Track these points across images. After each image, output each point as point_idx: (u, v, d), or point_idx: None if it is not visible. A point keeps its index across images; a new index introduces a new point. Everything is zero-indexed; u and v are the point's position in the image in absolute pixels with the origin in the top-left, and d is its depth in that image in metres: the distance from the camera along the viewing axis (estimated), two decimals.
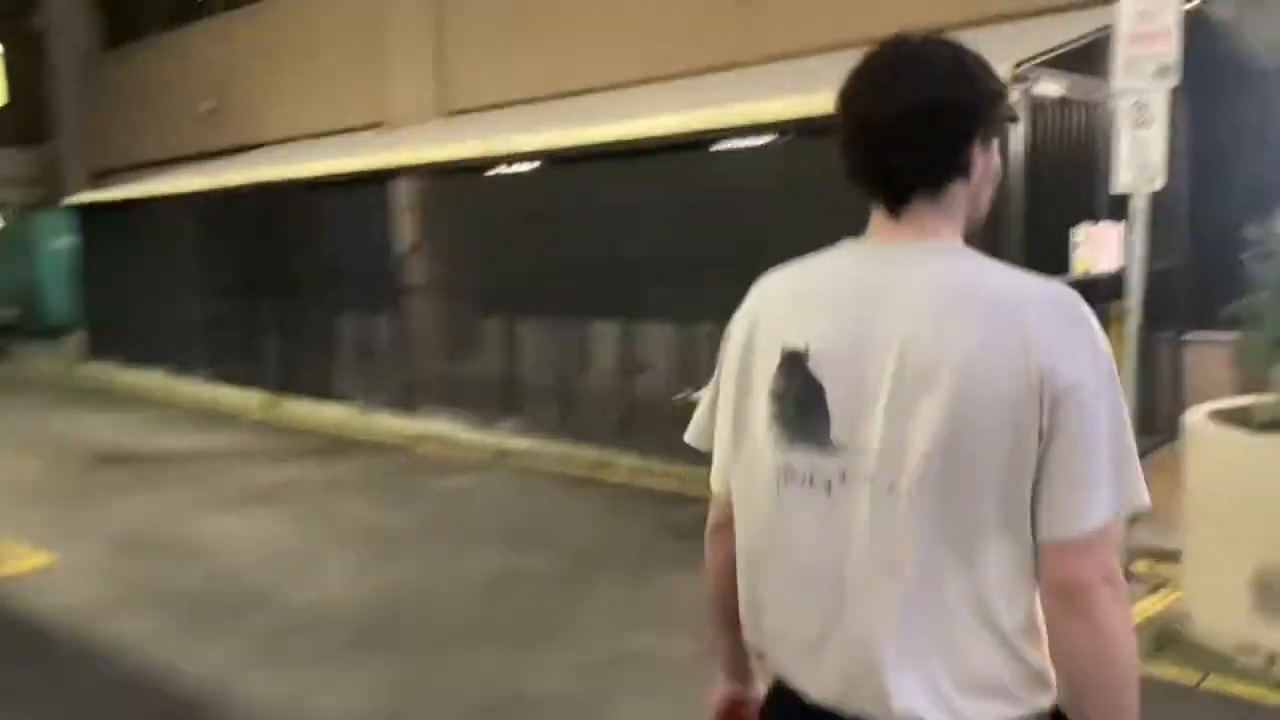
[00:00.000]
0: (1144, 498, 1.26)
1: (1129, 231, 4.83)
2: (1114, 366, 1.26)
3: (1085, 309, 1.27)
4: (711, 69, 9.05)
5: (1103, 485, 1.23)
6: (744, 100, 7.16)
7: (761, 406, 1.38)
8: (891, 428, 1.26)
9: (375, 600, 5.09)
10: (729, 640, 1.55)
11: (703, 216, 7.31)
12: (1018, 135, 5.65)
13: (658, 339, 7.87)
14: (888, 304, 1.29)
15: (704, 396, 1.53)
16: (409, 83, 11.86)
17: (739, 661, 1.59)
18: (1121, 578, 1.25)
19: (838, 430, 1.31)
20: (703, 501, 1.59)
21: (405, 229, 9.81)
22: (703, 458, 1.55)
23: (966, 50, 1.34)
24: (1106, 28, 4.95)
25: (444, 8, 11.44)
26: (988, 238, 5.81)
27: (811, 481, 1.33)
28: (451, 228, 9.51)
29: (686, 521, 4.29)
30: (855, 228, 1.41)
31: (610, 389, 8.20)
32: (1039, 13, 7.17)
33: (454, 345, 9.77)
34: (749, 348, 1.41)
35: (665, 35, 9.41)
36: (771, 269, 1.46)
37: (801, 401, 1.33)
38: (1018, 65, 5.61)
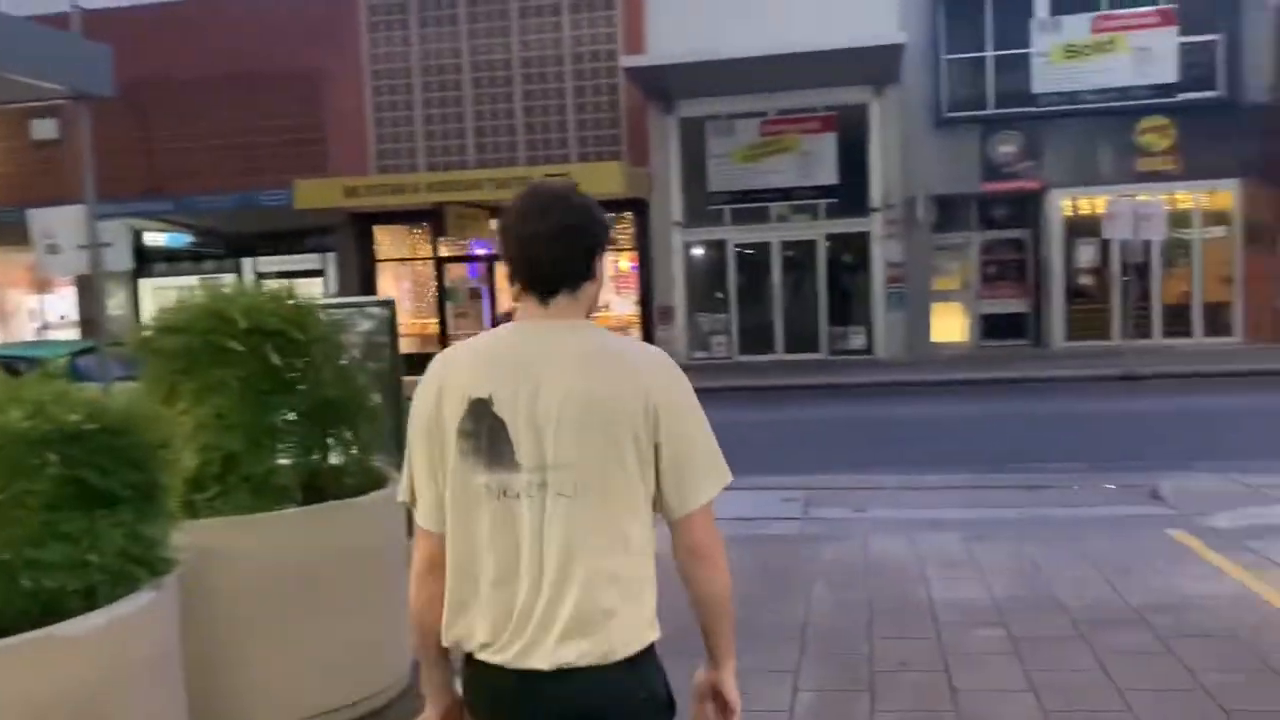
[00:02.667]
0: (729, 476, 1.91)
1: None
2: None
3: (672, 360, 1.91)
4: None
5: (705, 473, 1.87)
6: None
7: (452, 445, 1.83)
8: (560, 449, 1.79)
9: None
10: (441, 664, 1.96)
11: None
12: None
13: None
14: (547, 364, 1.82)
15: (414, 470, 1.92)
16: None
17: (446, 677, 1.98)
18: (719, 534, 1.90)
19: (520, 455, 1.81)
20: None
21: None
22: None
23: (585, 194, 1.94)
24: None
25: None
26: None
27: (504, 494, 1.82)
28: None
29: None
30: None
31: None
32: None
33: None
34: (439, 404, 1.86)
35: None
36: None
37: (491, 435, 1.82)
38: None
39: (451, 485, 1.84)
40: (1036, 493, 8.16)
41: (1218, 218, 18.25)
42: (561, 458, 1.79)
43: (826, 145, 18.79)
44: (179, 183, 19.87)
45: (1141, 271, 17.33)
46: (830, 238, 19.04)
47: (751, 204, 19.15)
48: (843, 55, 16.59)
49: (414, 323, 20.39)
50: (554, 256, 1.85)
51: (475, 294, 21.43)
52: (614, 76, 19.31)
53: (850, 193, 18.70)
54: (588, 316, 1.93)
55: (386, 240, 21.16)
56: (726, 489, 1.90)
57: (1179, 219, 17.47)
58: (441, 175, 18.87)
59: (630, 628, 1.82)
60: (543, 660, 1.78)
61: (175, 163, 20.10)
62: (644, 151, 19.27)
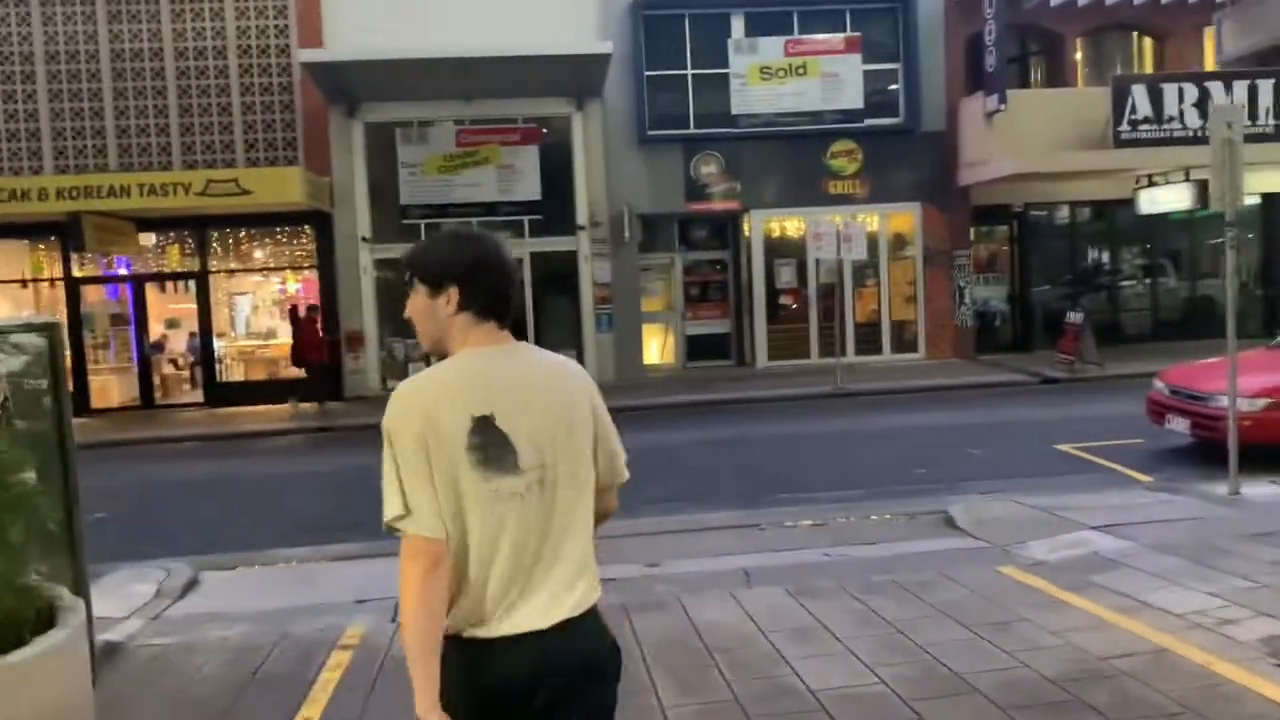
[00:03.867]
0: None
1: None
2: None
3: None
4: None
5: (621, 454, 2.35)
6: None
7: (461, 459, 2.08)
8: (550, 450, 2.16)
9: None
10: (436, 660, 2.07)
11: None
12: None
13: None
14: (522, 379, 2.18)
15: (410, 487, 2.08)
16: None
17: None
18: None
19: (523, 460, 2.13)
20: None
21: None
22: None
23: None
24: None
25: None
26: None
27: (511, 495, 2.11)
28: None
29: None
30: None
31: None
32: None
33: None
34: (433, 428, 2.07)
35: None
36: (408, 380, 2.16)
37: (499, 447, 2.10)
38: None
39: (465, 492, 2.10)
40: (832, 529, 7.38)
41: (900, 240, 19.02)
42: (552, 457, 2.17)
43: (529, 159, 17.62)
44: None
45: (837, 292, 17.65)
46: (536, 256, 17.85)
47: (449, 219, 17.52)
48: (543, 63, 15.55)
49: None
50: (514, 290, 2.27)
51: (118, 320, 18.23)
52: (288, 73, 17.11)
53: (555, 210, 17.64)
54: None
55: (1, 257, 17.48)
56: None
57: (868, 241, 17.93)
58: (75, 179, 15.75)
59: (596, 589, 2.26)
60: (549, 617, 2.15)
61: None
62: (325, 158, 17.18)
